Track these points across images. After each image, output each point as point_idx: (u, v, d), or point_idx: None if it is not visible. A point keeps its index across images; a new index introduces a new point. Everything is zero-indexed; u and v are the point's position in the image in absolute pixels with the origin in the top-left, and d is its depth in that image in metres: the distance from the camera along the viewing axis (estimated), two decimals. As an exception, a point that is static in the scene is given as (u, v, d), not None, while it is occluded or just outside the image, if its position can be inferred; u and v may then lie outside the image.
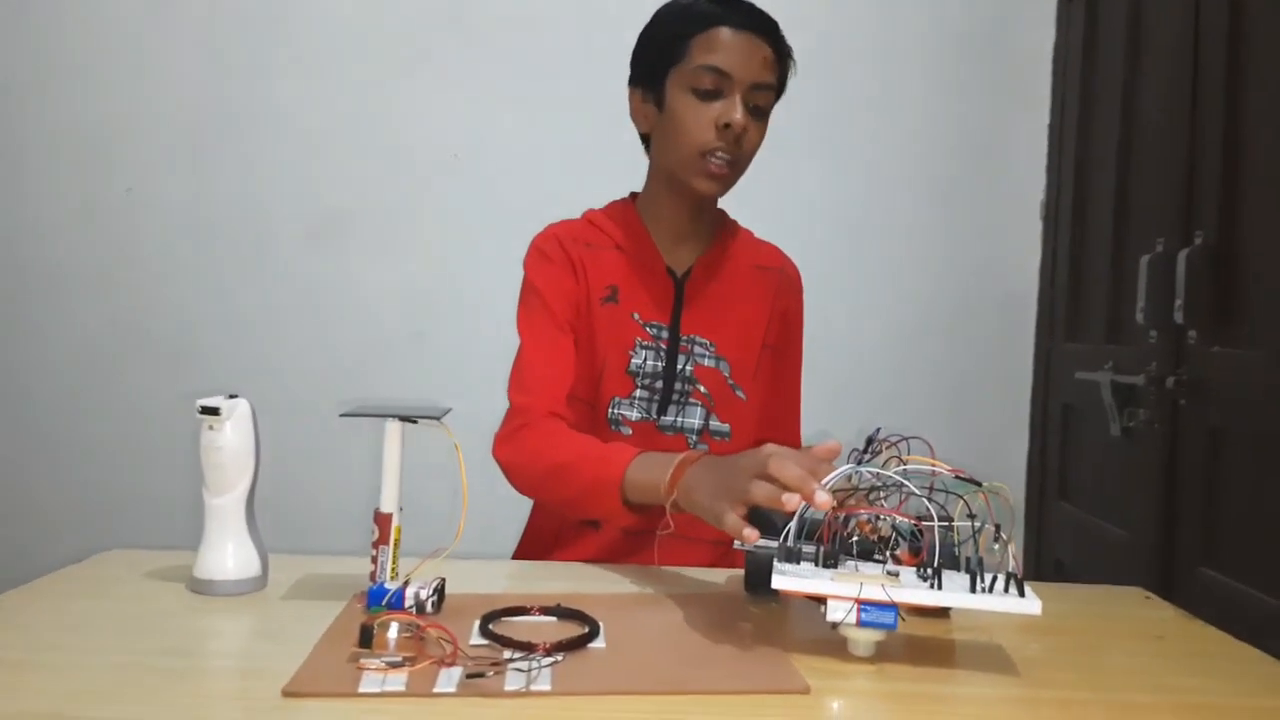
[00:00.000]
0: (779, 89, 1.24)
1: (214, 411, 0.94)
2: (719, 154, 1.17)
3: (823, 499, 0.81)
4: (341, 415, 0.92)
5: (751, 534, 0.87)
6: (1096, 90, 2.05)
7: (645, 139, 1.30)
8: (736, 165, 1.20)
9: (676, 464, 1.00)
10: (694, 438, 1.26)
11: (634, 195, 1.34)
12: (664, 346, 1.26)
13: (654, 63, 1.23)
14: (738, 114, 1.16)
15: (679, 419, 1.26)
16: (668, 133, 1.22)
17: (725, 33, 1.17)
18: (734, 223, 1.36)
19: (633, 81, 1.27)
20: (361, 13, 2.29)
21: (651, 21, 1.25)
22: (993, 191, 2.28)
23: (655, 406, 1.25)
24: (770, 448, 0.91)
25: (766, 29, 1.19)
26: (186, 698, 0.70)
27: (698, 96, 1.18)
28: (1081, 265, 2.09)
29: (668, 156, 1.23)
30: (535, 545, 1.32)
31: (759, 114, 1.20)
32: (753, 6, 1.20)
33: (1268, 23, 1.41)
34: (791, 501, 0.83)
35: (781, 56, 1.22)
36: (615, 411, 1.24)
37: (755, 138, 1.20)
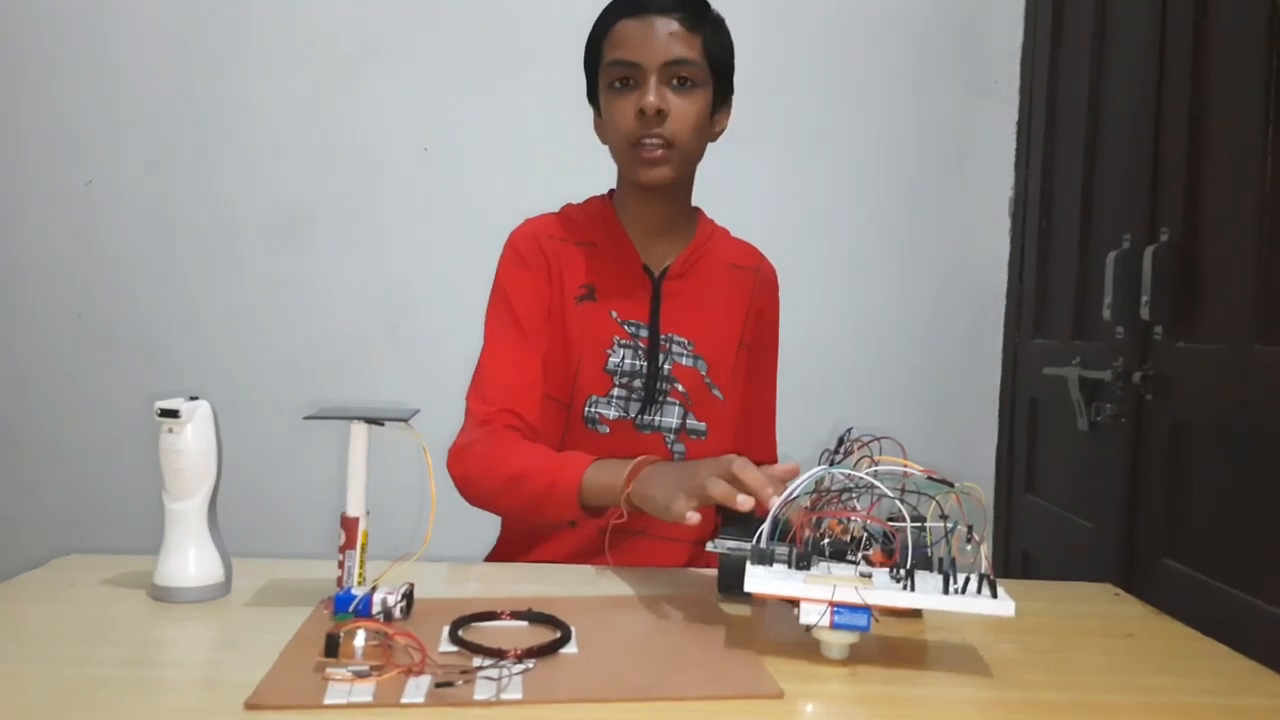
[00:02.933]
0: (712, 58, 1.20)
1: (173, 414, 0.91)
2: (645, 140, 1.17)
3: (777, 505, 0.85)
4: (305, 418, 0.90)
5: (694, 516, 0.92)
6: (1063, 88, 2.06)
7: None
8: (672, 147, 1.18)
9: (635, 463, 1.05)
10: (671, 436, 1.25)
11: (612, 193, 1.32)
12: (643, 345, 1.25)
13: (588, 77, 1.26)
14: (649, 97, 1.16)
15: (657, 418, 1.25)
16: (606, 135, 1.24)
17: (626, 24, 1.19)
18: (710, 221, 1.35)
19: (588, 99, 1.29)
20: (327, 5, 2.25)
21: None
22: (961, 188, 2.29)
23: (633, 405, 1.24)
24: (734, 456, 0.96)
25: (669, 6, 1.18)
26: (145, 711, 0.68)
27: (617, 92, 1.19)
28: (1049, 261, 2.10)
29: (613, 157, 1.24)
30: (511, 545, 1.30)
31: (685, 89, 1.18)
32: None
33: (1232, 22, 1.43)
34: (746, 503, 0.88)
35: (697, 25, 1.19)
36: (592, 410, 1.23)
37: (685, 112, 1.18)
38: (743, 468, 0.93)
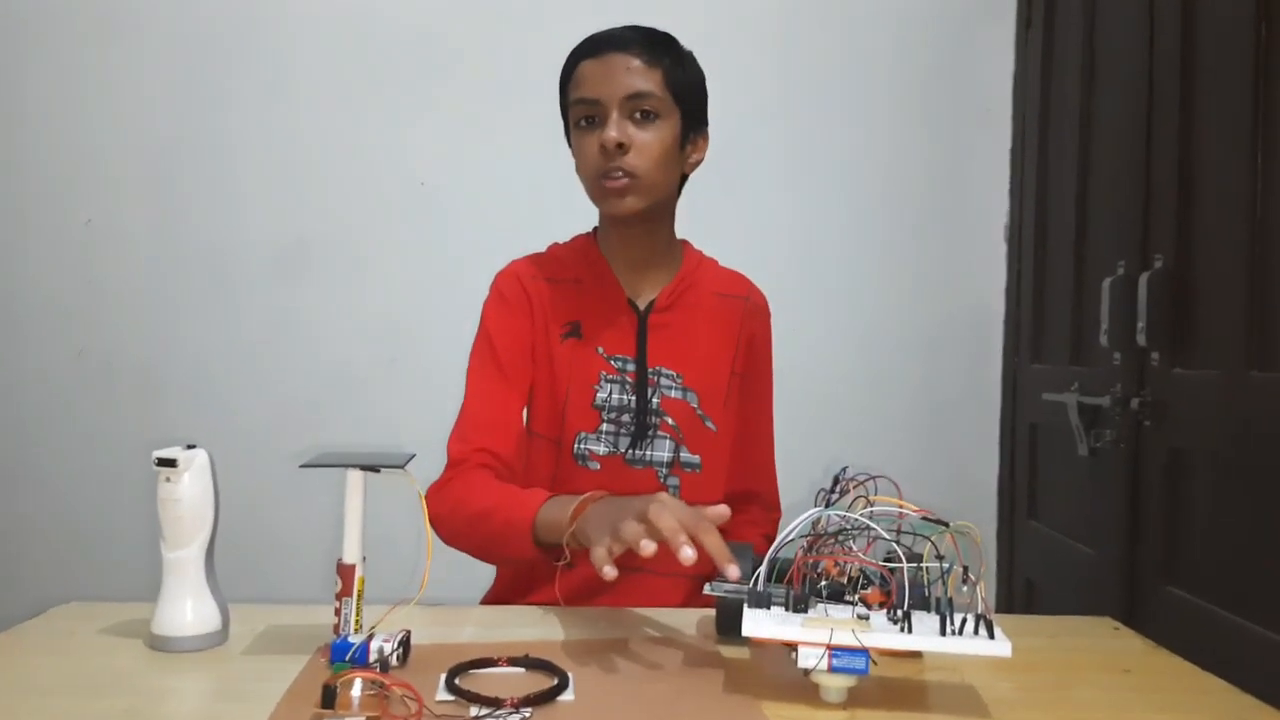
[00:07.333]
0: (675, 89, 1.21)
1: (171, 463, 0.92)
2: (610, 173, 1.19)
3: (688, 555, 0.84)
4: (301, 466, 0.90)
5: (611, 572, 0.88)
6: (1055, 115, 2.08)
7: None
8: (636, 177, 1.19)
9: (580, 500, 1.02)
10: (664, 470, 1.25)
11: (596, 230, 1.33)
12: (630, 380, 1.25)
13: (563, 119, 1.28)
14: (610, 132, 1.18)
15: (648, 452, 1.25)
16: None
17: (587, 65, 1.22)
18: (697, 252, 1.36)
19: (567, 141, 1.30)
20: (326, 42, 2.27)
21: None
22: (957, 216, 2.30)
23: (623, 440, 1.24)
24: (661, 495, 0.93)
25: (627, 43, 1.20)
26: (141, 768, 0.68)
27: (583, 130, 1.22)
28: (1045, 288, 2.11)
29: (586, 193, 1.26)
30: (508, 587, 1.30)
31: (648, 120, 1.20)
32: (612, 30, 1.22)
33: (1219, 50, 1.44)
34: (648, 548, 0.86)
35: (656, 59, 1.21)
36: (582, 447, 1.23)
37: (648, 143, 1.20)
38: (658, 513, 0.88)
